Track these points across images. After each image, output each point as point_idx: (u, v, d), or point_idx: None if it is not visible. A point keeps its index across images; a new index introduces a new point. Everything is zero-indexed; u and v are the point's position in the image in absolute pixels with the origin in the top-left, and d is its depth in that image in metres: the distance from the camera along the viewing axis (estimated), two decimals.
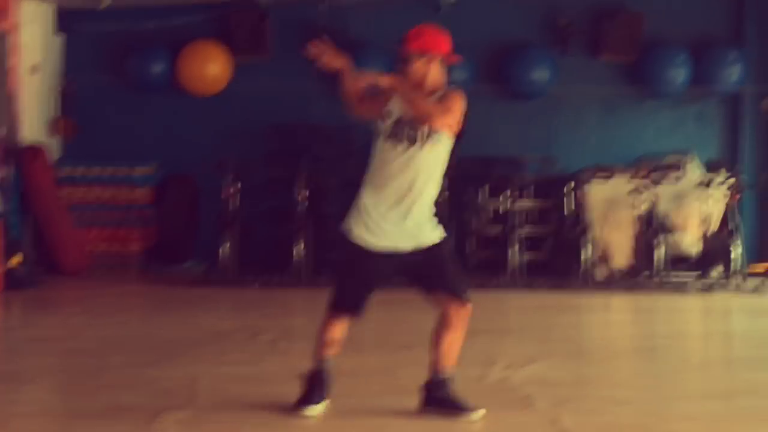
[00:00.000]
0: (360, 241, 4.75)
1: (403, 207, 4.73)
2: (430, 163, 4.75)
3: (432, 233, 4.82)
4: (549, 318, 8.90)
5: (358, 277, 4.81)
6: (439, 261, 4.82)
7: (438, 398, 4.86)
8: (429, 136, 4.71)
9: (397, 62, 4.82)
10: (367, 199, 4.76)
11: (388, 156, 4.73)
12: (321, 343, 4.91)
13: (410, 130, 4.71)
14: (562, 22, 12.75)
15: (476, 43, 12.87)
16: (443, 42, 4.83)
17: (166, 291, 10.47)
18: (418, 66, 4.75)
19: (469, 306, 4.83)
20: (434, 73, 4.78)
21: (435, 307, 4.91)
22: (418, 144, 4.71)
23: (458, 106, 4.71)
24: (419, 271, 4.82)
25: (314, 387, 4.90)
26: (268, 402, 5.12)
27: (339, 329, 4.88)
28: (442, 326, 4.86)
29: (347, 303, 4.84)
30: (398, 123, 4.74)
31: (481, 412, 4.82)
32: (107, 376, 5.86)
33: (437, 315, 4.90)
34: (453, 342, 4.85)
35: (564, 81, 12.73)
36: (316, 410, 4.86)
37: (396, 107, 4.76)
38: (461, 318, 4.81)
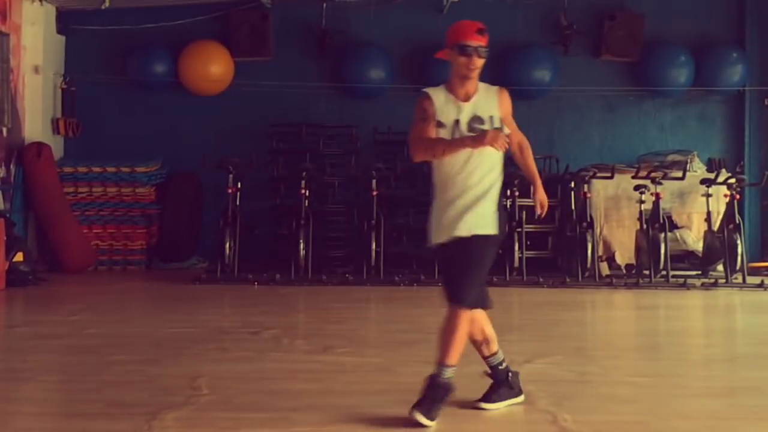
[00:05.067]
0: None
1: (471, 198, 4.70)
2: (492, 155, 4.76)
3: (485, 225, 4.72)
4: (551, 315, 8.91)
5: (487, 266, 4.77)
6: (460, 256, 4.68)
7: (426, 396, 4.61)
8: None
9: (455, 49, 4.82)
10: (443, 202, 4.75)
11: (455, 159, 4.69)
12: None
13: (471, 132, 4.69)
14: (563, 22, 12.76)
15: None
16: None
17: (168, 288, 10.49)
18: (481, 62, 4.84)
19: (460, 311, 4.61)
20: None
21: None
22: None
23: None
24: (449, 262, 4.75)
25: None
26: (269, 399, 5.12)
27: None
28: (444, 320, 4.71)
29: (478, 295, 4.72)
30: (456, 127, 4.73)
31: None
32: (108, 373, 5.86)
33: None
34: (446, 337, 4.64)
35: (566, 81, 12.74)
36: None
37: (444, 113, 4.74)
38: (454, 316, 4.62)
